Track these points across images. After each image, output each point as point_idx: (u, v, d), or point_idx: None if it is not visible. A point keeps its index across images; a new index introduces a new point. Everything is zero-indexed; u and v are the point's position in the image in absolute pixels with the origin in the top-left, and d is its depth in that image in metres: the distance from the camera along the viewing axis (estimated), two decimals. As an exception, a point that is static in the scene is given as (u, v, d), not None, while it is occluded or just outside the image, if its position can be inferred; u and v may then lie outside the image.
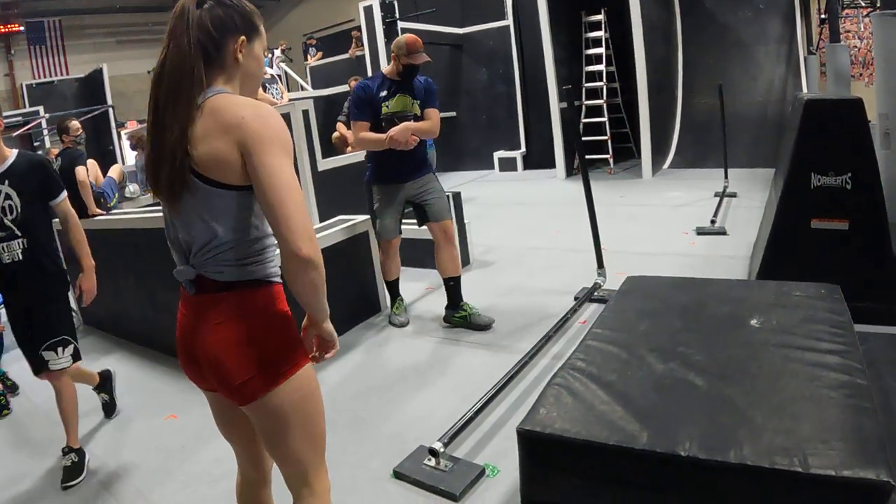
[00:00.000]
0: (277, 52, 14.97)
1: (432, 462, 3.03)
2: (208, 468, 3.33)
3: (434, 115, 4.65)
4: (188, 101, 1.65)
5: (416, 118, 4.60)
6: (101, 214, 5.98)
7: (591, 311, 4.90)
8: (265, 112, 1.67)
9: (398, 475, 3.05)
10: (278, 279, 1.82)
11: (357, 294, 5.26)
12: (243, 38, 1.77)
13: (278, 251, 1.73)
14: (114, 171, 8.39)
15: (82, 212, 5.79)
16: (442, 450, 3.01)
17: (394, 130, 4.37)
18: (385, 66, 4.69)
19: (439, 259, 4.78)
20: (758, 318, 2.85)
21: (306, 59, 16.86)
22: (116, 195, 7.99)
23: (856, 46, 12.38)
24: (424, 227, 4.88)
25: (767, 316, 2.86)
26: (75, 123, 6.15)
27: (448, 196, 6.21)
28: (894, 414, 2.53)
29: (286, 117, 5.82)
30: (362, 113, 4.53)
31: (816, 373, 2.30)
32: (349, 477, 3.07)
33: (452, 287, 4.83)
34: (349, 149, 7.43)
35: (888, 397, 2.64)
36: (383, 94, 4.54)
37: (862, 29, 12.45)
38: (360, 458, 3.25)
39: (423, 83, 4.70)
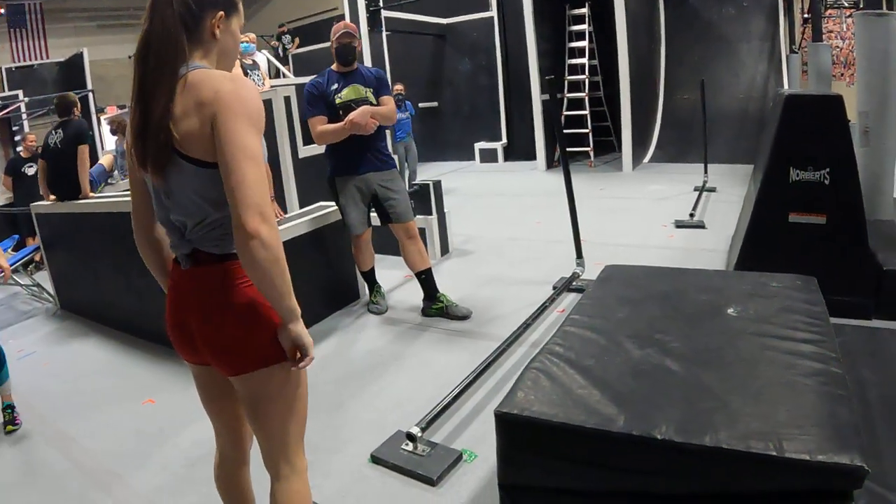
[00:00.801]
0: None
1: (410, 447, 3.03)
2: (186, 451, 3.31)
3: (390, 102, 4.68)
4: (173, 75, 1.64)
5: (373, 106, 4.58)
6: (94, 197, 5.85)
7: (570, 300, 4.92)
8: (239, 85, 1.65)
9: (375, 460, 3.04)
10: None
11: (335, 281, 5.23)
12: (222, 13, 1.75)
13: None
14: (105, 160, 8.32)
15: (76, 192, 5.66)
16: (420, 434, 3.01)
17: (353, 114, 4.38)
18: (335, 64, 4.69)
19: (406, 256, 4.79)
20: (735, 307, 2.86)
21: (280, 47, 16.77)
22: (103, 184, 7.91)
23: (838, 46, 12.46)
24: None
25: (745, 305, 2.86)
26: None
27: (429, 184, 6.23)
28: (869, 404, 2.55)
29: (268, 104, 5.80)
30: (317, 108, 4.53)
31: (792, 361, 2.31)
32: (326, 462, 3.06)
33: (425, 280, 4.84)
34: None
35: (863, 387, 2.66)
36: (334, 87, 4.55)
37: (844, 29, 12.54)
38: (338, 443, 3.25)
39: (373, 72, 4.74)
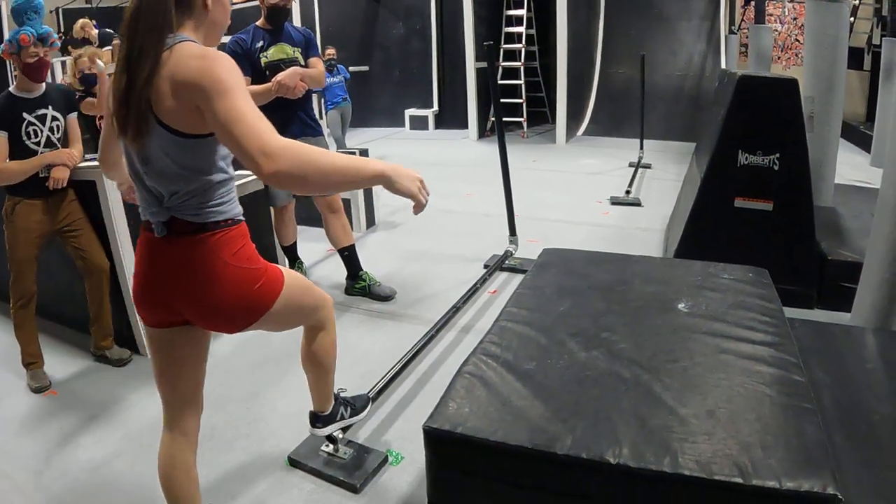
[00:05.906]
0: None
1: (330, 448, 2.74)
2: (89, 452, 2.95)
3: (319, 64, 4.34)
4: (159, 43, 1.62)
5: (301, 67, 4.24)
6: None
7: (502, 279, 4.73)
8: (211, 59, 1.63)
9: (293, 462, 2.76)
10: (241, 216, 1.87)
11: (254, 255, 4.88)
12: None
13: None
14: None
15: None
16: (340, 435, 2.73)
17: (282, 75, 4.00)
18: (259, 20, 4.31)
19: (329, 231, 4.50)
20: (685, 301, 2.67)
21: None
22: None
23: (776, 30, 12.49)
24: None
25: (696, 299, 2.68)
26: None
27: (355, 153, 5.92)
28: (824, 409, 2.37)
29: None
30: (240, 68, 4.13)
31: (751, 367, 2.13)
32: (240, 463, 2.77)
33: (348, 257, 4.57)
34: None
35: (817, 390, 2.48)
36: (259, 44, 4.17)
37: (785, 14, 12.60)
38: (253, 440, 2.95)
39: (302, 32, 4.41)
